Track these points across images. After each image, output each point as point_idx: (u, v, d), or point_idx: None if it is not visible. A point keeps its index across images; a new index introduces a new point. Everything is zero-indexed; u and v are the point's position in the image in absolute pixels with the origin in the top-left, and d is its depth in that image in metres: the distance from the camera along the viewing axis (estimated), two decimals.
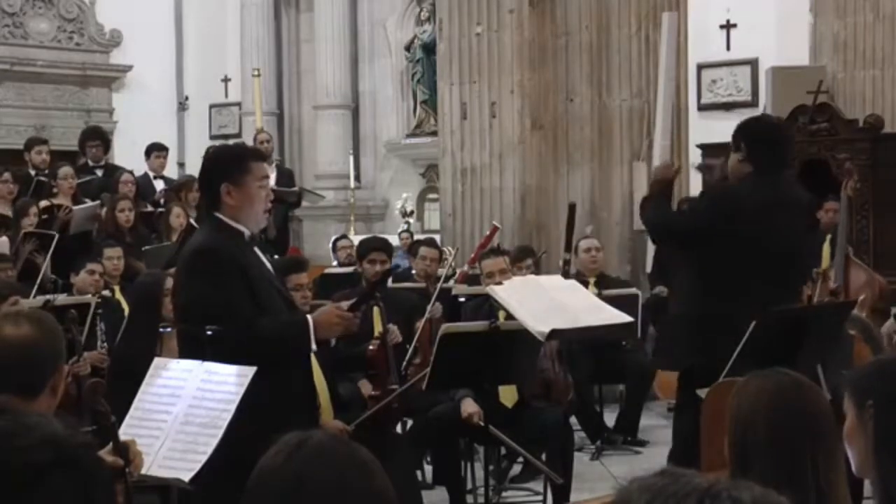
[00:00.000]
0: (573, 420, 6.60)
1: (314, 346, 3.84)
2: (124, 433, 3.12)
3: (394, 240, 8.52)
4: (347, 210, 13.69)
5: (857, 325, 5.21)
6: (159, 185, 10.06)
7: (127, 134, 13.73)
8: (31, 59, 14.19)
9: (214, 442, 3.31)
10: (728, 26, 12.35)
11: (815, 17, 11.12)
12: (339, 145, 14.38)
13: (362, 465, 1.62)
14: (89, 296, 6.22)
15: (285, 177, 10.92)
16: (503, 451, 5.95)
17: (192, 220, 7.96)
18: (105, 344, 5.97)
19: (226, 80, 15.44)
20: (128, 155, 11.89)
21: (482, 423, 5.21)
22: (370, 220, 14.40)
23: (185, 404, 3.43)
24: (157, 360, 3.68)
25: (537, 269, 7.12)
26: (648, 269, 8.88)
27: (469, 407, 5.36)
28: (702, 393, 3.93)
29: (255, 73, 13.03)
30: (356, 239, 9.12)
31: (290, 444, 1.62)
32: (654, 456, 6.66)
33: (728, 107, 12.35)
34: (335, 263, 9.92)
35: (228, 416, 3.35)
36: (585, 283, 6.48)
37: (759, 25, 12.01)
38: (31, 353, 2.61)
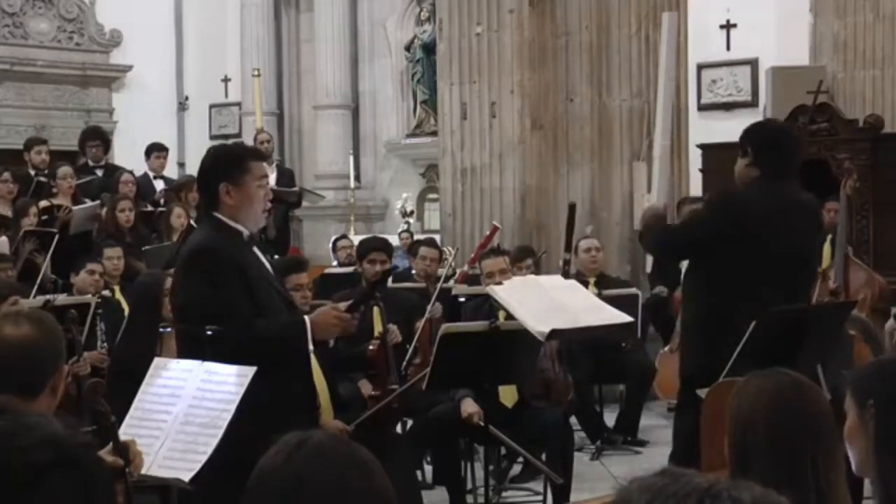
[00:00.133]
0: (573, 420, 6.60)
1: (311, 347, 3.84)
2: (124, 433, 3.12)
3: (394, 240, 8.52)
4: (347, 210, 13.69)
5: (857, 325, 5.21)
6: (159, 185, 10.06)
7: (127, 134, 13.74)
8: (31, 59, 14.20)
9: (214, 442, 3.31)
10: (728, 26, 12.35)
11: (815, 17, 11.12)
12: (339, 145, 14.39)
13: (362, 465, 1.62)
14: (89, 296, 6.22)
15: (286, 177, 10.92)
16: (503, 451, 5.95)
17: (192, 221, 7.96)
18: (105, 344, 5.97)
19: (226, 80, 15.44)
20: (128, 155, 11.89)
21: (482, 423, 5.21)
22: (370, 220, 14.40)
23: (185, 404, 3.43)
24: (157, 360, 3.68)
25: (537, 269, 7.12)
26: (648, 269, 8.88)
27: (469, 407, 5.36)
28: (702, 393, 3.92)
29: (255, 73, 13.03)
30: (356, 239, 9.13)
31: (290, 444, 1.62)
32: (654, 456, 6.66)
33: (728, 107, 12.36)
34: (335, 263, 9.92)
35: (228, 416, 3.34)
36: (585, 283, 6.48)
37: (759, 25, 12.01)
38: (31, 353, 2.60)
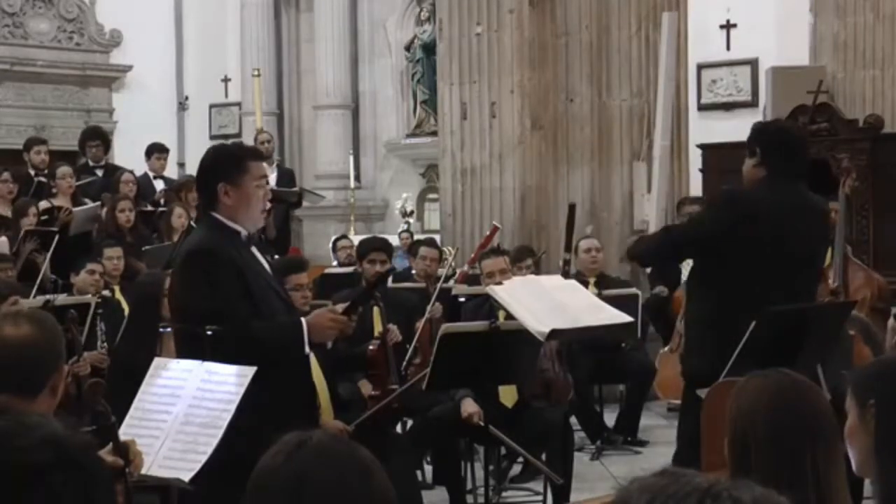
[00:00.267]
0: (573, 420, 6.60)
1: (307, 350, 3.84)
2: (124, 433, 3.12)
3: (394, 240, 8.52)
4: (347, 210, 13.69)
5: (857, 325, 5.20)
6: (159, 185, 10.05)
7: (127, 134, 13.74)
8: (31, 59, 14.20)
9: (214, 442, 3.31)
10: (728, 26, 12.35)
11: (815, 17, 11.12)
12: (339, 145, 14.39)
13: (362, 465, 1.62)
14: (89, 296, 6.22)
15: (286, 177, 10.93)
16: (503, 451, 5.94)
17: (192, 222, 7.96)
18: (105, 344, 5.97)
19: (226, 80, 15.45)
20: (128, 155, 11.89)
21: (482, 423, 5.21)
22: (370, 220, 14.40)
23: (185, 404, 3.43)
24: (157, 360, 3.68)
25: (537, 269, 7.12)
26: (648, 268, 8.87)
27: (469, 407, 5.36)
28: (702, 393, 3.92)
29: (255, 73, 13.03)
30: (356, 239, 9.12)
31: (290, 444, 1.62)
32: (654, 456, 6.66)
33: (728, 107, 12.37)
34: (335, 263, 9.92)
35: (228, 416, 3.34)
36: (585, 283, 6.48)
37: (759, 25, 12.01)
38: (31, 353, 2.60)
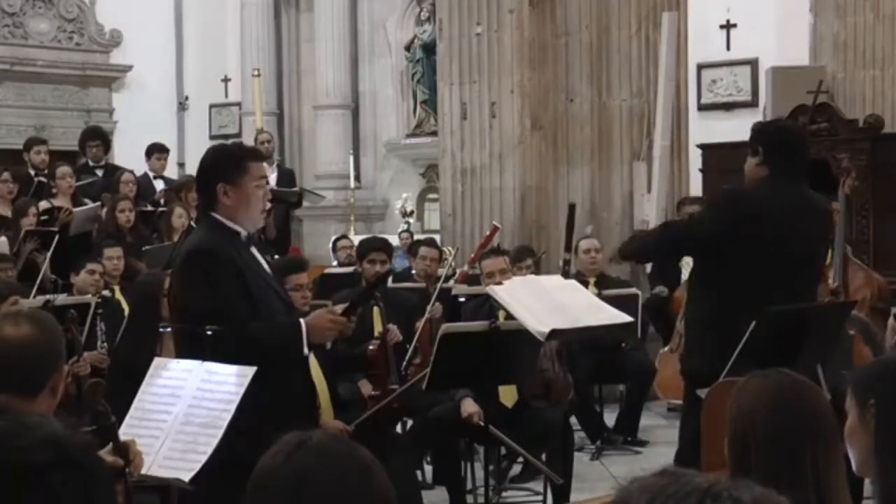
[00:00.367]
0: (573, 420, 6.60)
1: (306, 350, 3.84)
2: (124, 433, 3.12)
3: (394, 240, 8.53)
4: (347, 210, 13.69)
5: (857, 325, 5.20)
6: (159, 185, 10.05)
7: (127, 134, 13.74)
8: (31, 59, 14.20)
9: (214, 442, 3.31)
10: (728, 26, 12.36)
11: (815, 17, 11.12)
12: (339, 145, 14.39)
13: (362, 465, 1.62)
14: (89, 296, 6.22)
15: (286, 177, 10.93)
16: (503, 451, 5.95)
17: (192, 222, 7.96)
18: (105, 344, 5.97)
19: (226, 80, 15.45)
20: (128, 155, 11.89)
21: (482, 423, 5.21)
22: (370, 220, 14.40)
23: (185, 404, 3.43)
24: (157, 360, 3.68)
25: (537, 269, 7.12)
26: (648, 269, 8.88)
27: (469, 407, 5.36)
28: (702, 393, 3.92)
29: (255, 73, 13.03)
30: (356, 239, 9.12)
31: (290, 444, 1.62)
32: (654, 456, 6.66)
33: (728, 107, 12.37)
34: (335, 263, 9.91)
35: (228, 416, 3.34)
36: (585, 283, 6.48)
37: (759, 25, 12.02)
38: (31, 353, 2.60)
